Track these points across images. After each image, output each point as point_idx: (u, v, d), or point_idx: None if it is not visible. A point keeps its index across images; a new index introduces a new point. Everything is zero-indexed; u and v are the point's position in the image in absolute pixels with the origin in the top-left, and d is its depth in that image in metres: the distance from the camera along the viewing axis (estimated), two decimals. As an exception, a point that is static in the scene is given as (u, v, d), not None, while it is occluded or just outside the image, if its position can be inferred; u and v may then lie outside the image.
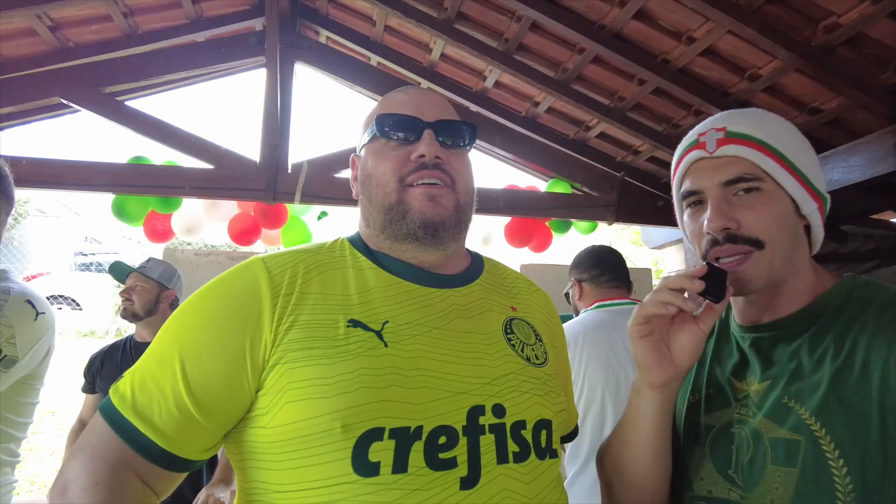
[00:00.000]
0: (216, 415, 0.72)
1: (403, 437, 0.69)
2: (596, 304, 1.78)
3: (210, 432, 0.73)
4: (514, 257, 4.82)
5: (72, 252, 11.40)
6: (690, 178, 0.84)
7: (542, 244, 4.12)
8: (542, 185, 4.22)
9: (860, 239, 4.97)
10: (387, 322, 0.78)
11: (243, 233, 3.80)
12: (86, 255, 11.35)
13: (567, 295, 1.98)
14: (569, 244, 4.19)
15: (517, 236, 4.02)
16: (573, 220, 4.03)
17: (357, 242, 0.90)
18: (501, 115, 3.91)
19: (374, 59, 3.94)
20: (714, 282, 0.76)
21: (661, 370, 0.80)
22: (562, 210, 3.86)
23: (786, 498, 0.71)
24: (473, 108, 3.90)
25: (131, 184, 3.32)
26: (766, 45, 2.50)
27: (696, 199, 0.84)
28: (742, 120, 0.82)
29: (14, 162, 1.86)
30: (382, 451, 0.68)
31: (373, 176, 0.86)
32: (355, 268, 0.85)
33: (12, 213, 1.49)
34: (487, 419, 0.75)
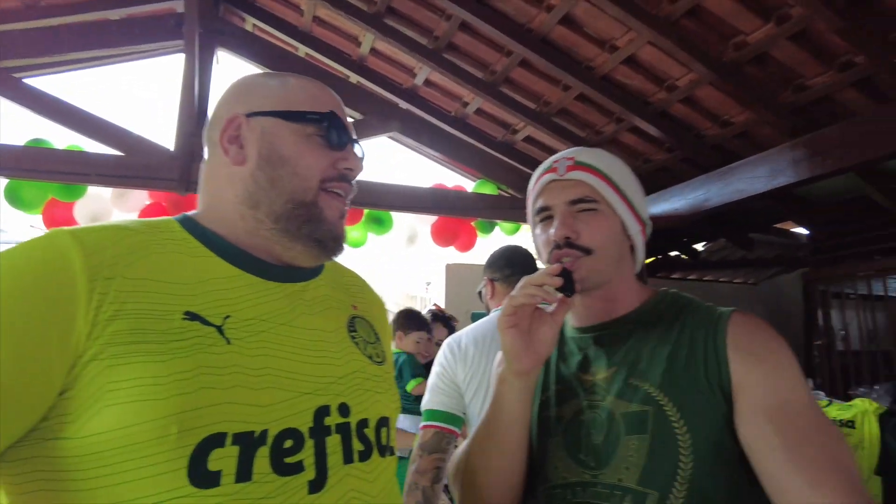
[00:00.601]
0: None
1: (248, 443, 0.64)
2: None
3: None
4: (440, 257, 4.82)
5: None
6: (543, 196, 0.99)
7: (468, 244, 4.14)
8: (469, 185, 4.24)
9: (765, 246, 5.30)
10: (228, 317, 0.70)
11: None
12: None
13: (480, 293, 1.99)
14: (494, 245, 4.23)
15: (443, 235, 4.02)
16: (498, 221, 4.07)
17: (190, 225, 0.79)
18: (431, 113, 3.90)
19: (302, 50, 3.83)
20: (565, 280, 0.89)
21: (527, 358, 0.90)
22: (487, 210, 3.89)
23: (640, 463, 0.84)
24: (403, 104, 3.87)
25: (28, 168, 3.07)
26: (682, 57, 2.61)
27: (546, 215, 0.99)
28: (588, 154, 1.00)
29: None
30: (224, 459, 0.62)
31: (290, 162, 0.78)
32: (187, 254, 0.75)
33: None
34: (333, 419, 0.72)
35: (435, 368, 1.72)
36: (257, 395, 0.67)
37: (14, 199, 3.37)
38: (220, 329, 0.68)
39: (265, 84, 0.85)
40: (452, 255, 4.44)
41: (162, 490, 0.59)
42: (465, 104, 3.77)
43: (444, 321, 3.78)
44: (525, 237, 4.11)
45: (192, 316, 0.67)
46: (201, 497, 0.60)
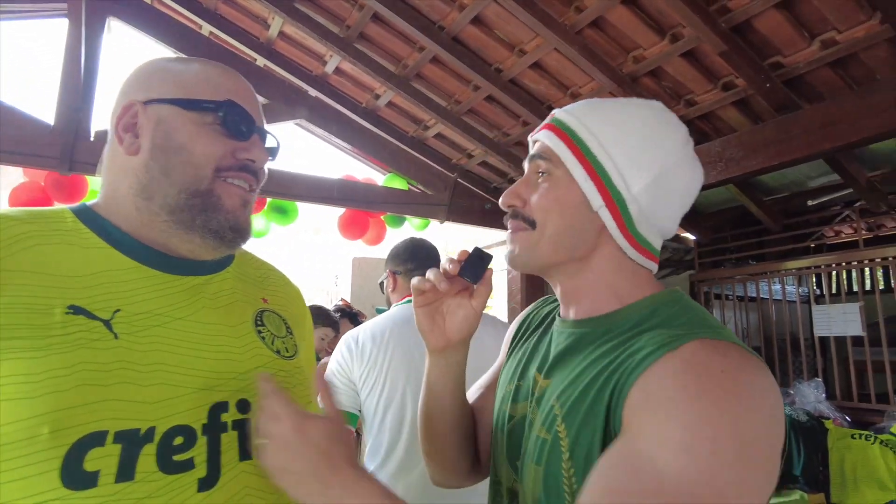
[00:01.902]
0: None
1: (132, 441, 0.62)
2: (407, 299, 1.80)
3: None
4: (347, 250, 4.75)
5: None
6: None
7: (377, 238, 4.11)
8: (379, 178, 4.21)
9: (661, 250, 5.66)
10: (118, 311, 0.68)
11: (30, 204, 3.28)
12: None
13: (382, 285, 1.98)
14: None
15: (351, 228, 3.97)
16: (408, 217, 4.06)
17: (87, 216, 0.77)
18: (341, 102, 3.82)
19: (206, 29, 3.63)
20: (475, 265, 0.83)
21: (434, 337, 0.88)
22: (397, 205, 3.88)
23: (536, 493, 0.74)
24: (312, 91, 3.77)
25: None
26: (585, 65, 2.72)
27: None
28: (576, 106, 0.83)
29: None
30: (104, 459, 0.60)
31: (184, 151, 0.75)
32: (80, 245, 0.72)
33: None
34: (231, 415, 0.72)
35: (331, 366, 1.70)
36: (145, 391, 0.65)
37: None
38: (107, 323, 0.66)
39: (167, 69, 0.81)
40: (360, 248, 4.39)
41: (34, 493, 0.57)
42: (377, 96, 3.73)
43: (350, 317, 3.73)
44: (435, 233, 4.14)
45: (76, 310, 0.65)
46: (76, 499, 0.58)
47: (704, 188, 3.10)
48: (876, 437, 3.29)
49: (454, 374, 0.91)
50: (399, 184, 3.99)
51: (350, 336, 1.75)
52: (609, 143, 0.77)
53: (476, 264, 0.83)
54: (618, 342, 0.73)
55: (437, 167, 4.07)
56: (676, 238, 5.48)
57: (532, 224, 0.80)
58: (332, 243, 4.05)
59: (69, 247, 0.70)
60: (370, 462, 1.64)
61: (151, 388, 0.65)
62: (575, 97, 3.06)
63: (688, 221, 4.38)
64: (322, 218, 3.99)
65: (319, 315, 3.12)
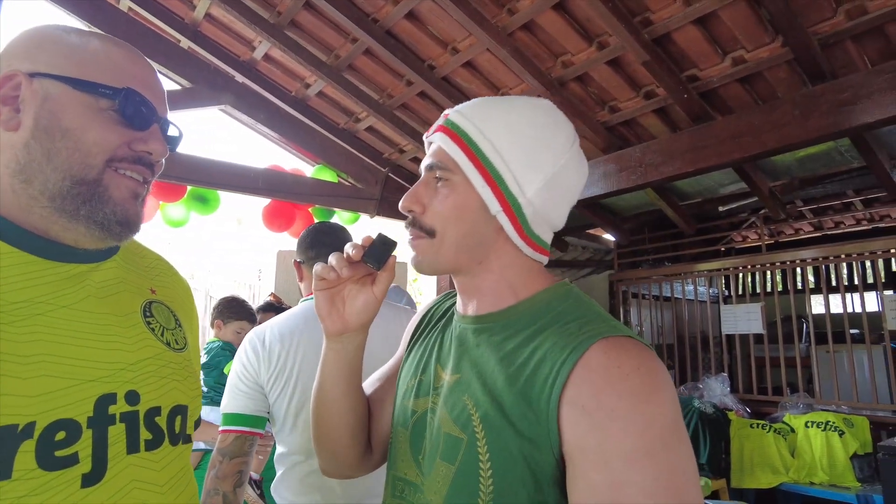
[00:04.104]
0: None
1: (8, 437, 0.59)
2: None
3: None
4: (273, 243, 4.63)
5: None
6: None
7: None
8: (308, 169, 4.12)
9: (580, 249, 5.85)
10: None
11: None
12: None
13: None
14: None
15: (276, 220, 3.86)
16: (336, 210, 4.01)
17: None
18: (269, 90, 3.71)
19: (125, 4, 3.42)
20: (379, 251, 0.83)
21: (331, 321, 0.87)
22: (325, 198, 3.81)
23: (443, 492, 0.75)
24: (239, 77, 3.64)
25: None
26: (516, 67, 2.78)
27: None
28: (469, 108, 0.83)
29: None
30: None
31: (71, 135, 0.70)
32: None
33: None
34: (119, 407, 0.69)
35: (236, 367, 1.55)
36: (25, 384, 0.61)
37: None
38: None
39: (62, 41, 0.74)
40: (285, 240, 4.29)
41: None
42: (308, 85, 3.65)
43: (279, 312, 3.60)
44: (365, 227, 4.10)
45: None
46: None
47: (624, 191, 3.25)
48: (770, 426, 3.56)
49: (350, 359, 0.90)
50: (328, 176, 3.92)
51: (255, 336, 1.57)
52: (503, 147, 0.79)
53: (380, 250, 0.83)
54: (521, 340, 0.77)
55: (369, 161, 4.03)
56: (597, 239, 5.70)
57: (430, 233, 0.81)
58: (255, 236, 3.91)
59: None
60: (280, 466, 1.55)
61: (32, 381, 0.62)
62: (505, 98, 3.12)
63: (608, 223, 4.56)
64: (246, 209, 3.85)
65: (232, 307, 2.98)
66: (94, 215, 0.71)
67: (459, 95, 3.19)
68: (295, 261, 1.73)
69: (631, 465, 0.63)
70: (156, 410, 0.74)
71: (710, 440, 3.60)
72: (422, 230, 0.81)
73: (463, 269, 0.83)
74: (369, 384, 1.03)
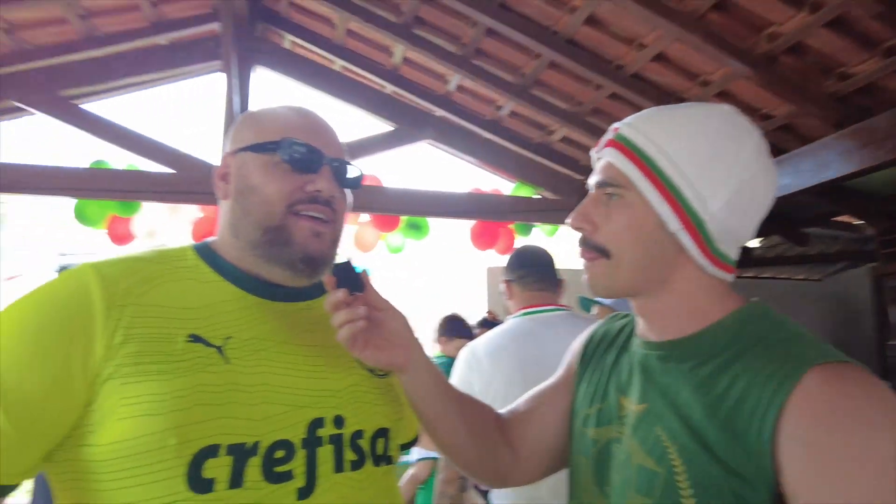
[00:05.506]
0: (35, 433, 0.68)
1: (240, 453, 0.71)
2: (522, 312, 1.79)
3: (27, 453, 0.69)
4: (482, 260, 4.84)
5: (55, 253, 11.32)
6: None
7: (508, 247, 4.14)
8: (507, 188, 4.24)
9: (826, 241, 5.02)
10: (230, 338, 0.77)
11: (210, 234, 3.80)
12: (65, 255, 11.28)
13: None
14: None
15: (482, 239, 4.04)
16: (536, 224, 4.05)
17: (205, 252, 0.87)
18: (466, 118, 3.92)
19: (338, 64, 3.94)
20: (348, 277, 0.80)
21: (384, 355, 0.80)
22: (524, 213, 3.88)
23: None
24: (438, 112, 3.92)
25: (92, 188, 3.31)
26: (710, 52, 2.53)
27: None
28: (639, 121, 0.78)
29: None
30: (218, 468, 0.69)
31: (258, 191, 0.83)
32: (198, 280, 0.83)
33: None
34: (327, 430, 0.78)
35: (453, 380, 1.72)
36: (251, 409, 0.73)
37: (81, 216, 3.65)
38: (220, 349, 0.75)
39: (250, 119, 0.90)
40: (493, 258, 4.45)
41: (166, 493, 0.67)
42: (499, 108, 3.78)
43: (492, 327, 3.79)
44: (565, 239, 4.07)
45: (195, 338, 0.75)
46: (198, 501, 0.67)
47: (871, 170, 2.71)
48: None
49: (425, 390, 0.86)
50: (526, 192, 3.99)
51: (469, 351, 1.77)
52: (681, 160, 0.73)
53: (348, 276, 0.80)
54: (716, 366, 0.71)
55: (565, 171, 4.00)
56: (850, 227, 4.82)
57: (605, 253, 0.77)
58: (465, 255, 4.15)
59: (189, 282, 0.82)
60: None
61: (256, 407, 0.74)
62: (705, 85, 2.85)
63: (859, 209, 3.84)
64: (454, 231, 4.12)
65: (454, 324, 3.24)
66: (282, 256, 0.82)
67: (654, 91, 3.01)
68: (504, 280, 1.87)
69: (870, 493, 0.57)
70: (359, 433, 0.81)
71: None
72: (595, 250, 0.78)
73: (641, 291, 0.79)
74: (525, 399, 1.02)
